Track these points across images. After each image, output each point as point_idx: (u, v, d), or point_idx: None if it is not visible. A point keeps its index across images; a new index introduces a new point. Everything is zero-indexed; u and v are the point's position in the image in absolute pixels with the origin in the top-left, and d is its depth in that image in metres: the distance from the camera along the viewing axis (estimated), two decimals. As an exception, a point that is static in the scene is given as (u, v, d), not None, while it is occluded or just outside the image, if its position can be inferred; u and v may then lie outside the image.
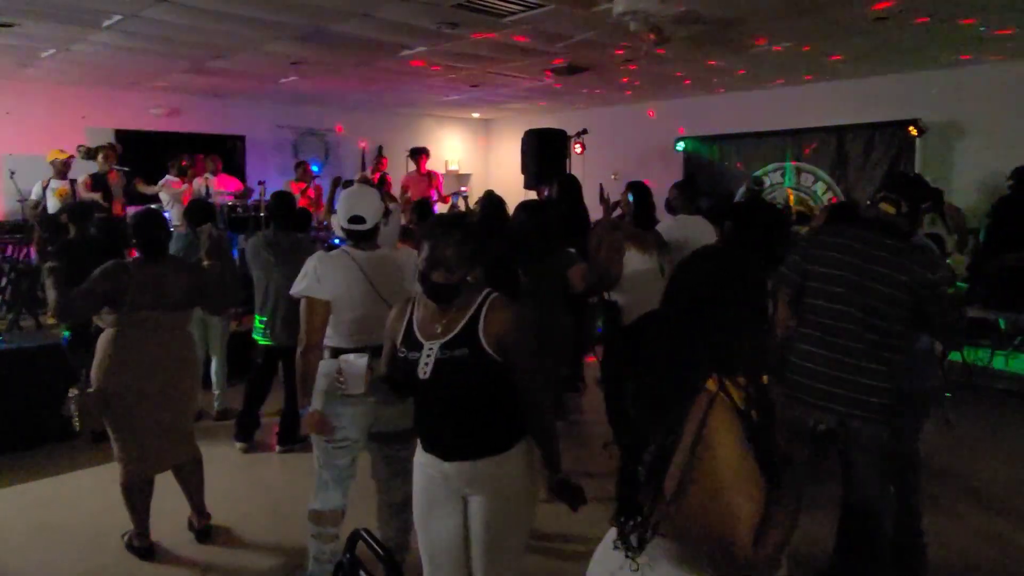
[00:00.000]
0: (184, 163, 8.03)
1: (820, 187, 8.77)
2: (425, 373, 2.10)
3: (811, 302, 2.83)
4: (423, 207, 5.69)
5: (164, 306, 3.32)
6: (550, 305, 3.97)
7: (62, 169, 7.20)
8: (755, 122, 9.25)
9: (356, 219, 2.88)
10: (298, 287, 2.83)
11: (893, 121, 8.05)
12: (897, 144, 8.10)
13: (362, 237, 2.91)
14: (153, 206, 7.10)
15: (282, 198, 4.99)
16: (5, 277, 6.24)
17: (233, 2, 5.20)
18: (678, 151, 10.02)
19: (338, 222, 2.93)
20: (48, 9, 5.34)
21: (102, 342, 3.32)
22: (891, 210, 2.78)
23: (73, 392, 3.22)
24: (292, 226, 4.81)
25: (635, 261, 4.28)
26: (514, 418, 2.17)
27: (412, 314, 2.22)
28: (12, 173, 6.61)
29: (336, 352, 2.80)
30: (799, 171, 8.95)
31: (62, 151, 7.28)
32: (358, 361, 2.19)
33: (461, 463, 2.14)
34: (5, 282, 6.22)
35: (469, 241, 2.12)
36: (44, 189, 7.17)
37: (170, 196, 7.85)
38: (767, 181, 9.09)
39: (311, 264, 2.83)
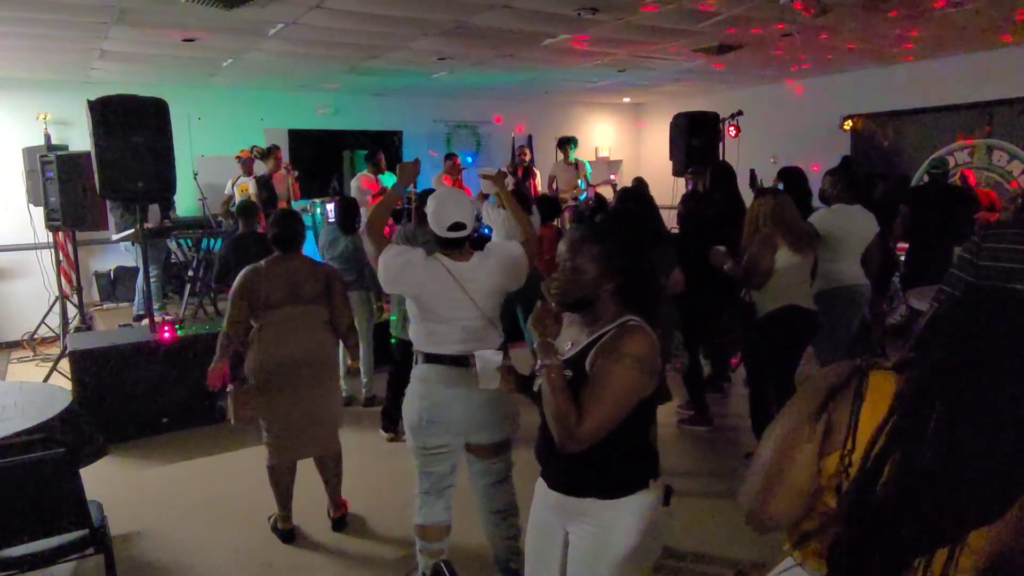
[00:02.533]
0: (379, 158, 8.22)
1: (1017, 166, 7.70)
2: (537, 386, 1.99)
3: None
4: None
5: (298, 300, 3.51)
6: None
7: (248, 165, 7.87)
8: (935, 95, 8.23)
9: (457, 226, 2.74)
10: (388, 253, 2.80)
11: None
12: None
13: (458, 245, 2.78)
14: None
15: (425, 195, 5.13)
16: (191, 269, 6.92)
17: (381, 4, 5.40)
18: (845, 131, 9.19)
19: (433, 229, 2.79)
20: (222, 24, 5.82)
21: (252, 339, 3.58)
22: None
23: (229, 388, 3.49)
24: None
25: (784, 258, 3.97)
26: (629, 465, 1.96)
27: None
28: (195, 174, 7.30)
29: (429, 358, 2.79)
30: (990, 149, 7.90)
31: (244, 150, 7.97)
32: (494, 357, 2.17)
33: (562, 496, 2.01)
34: (191, 274, 6.90)
35: (610, 255, 1.94)
36: (233, 185, 7.91)
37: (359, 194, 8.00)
38: (952, 162, 8.11)
39: (403, 259, 2.77)
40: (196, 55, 7.02)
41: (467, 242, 2.81)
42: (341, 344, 4.67)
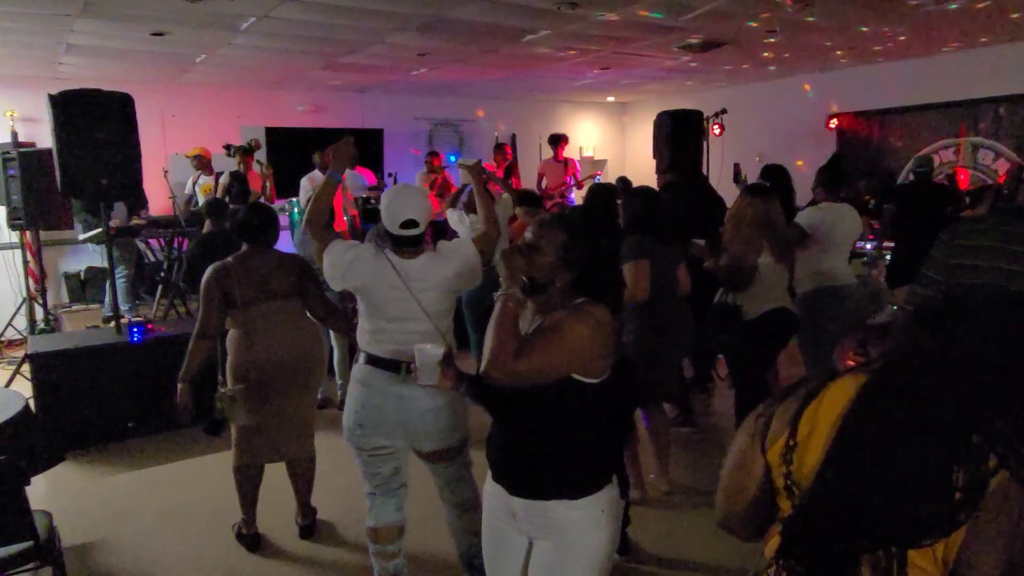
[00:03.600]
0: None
1: (1002, 165, 7.65)
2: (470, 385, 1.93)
3: None
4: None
5: (271, 296, 3.35)
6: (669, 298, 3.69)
7: (205, 163, 7.67)
8: (920, 94, 8.19)
9: (409, 224, 2.60)
10: (332, 249, 2.64)
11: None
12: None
13: (410, 243, 2.64)
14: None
15: None
16: (163, 270, 6.75)
17: (353, -4, 5.27)
18: (830, 130, 9.13)
19: (385, 225, 2.65)
20: (192, 18, 5.66)
21: (229, 344, 3.42)
22: None
23: (223, 390, 3.34)
24: None
25: (766, 261, 3.86)
26: (598, 458, 1.89)
27: None
28: (165, 172, 7.12)
29: (369, 359, 2.66)
30: (975, 147, 7.85)
31: (201, 148, 7.78)
32: (434, 351, 2.04)
33: (527, 501, 1.89)
34: (163, 274, 6.72)
35: (571, 246, 1.87)
36: (194, 184, 7.71)
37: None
38: (937, 160, 8.05)
39: (351, 254, 2.63)
40: (167, 50, 6.84)
41: (420, 241, 2.68)
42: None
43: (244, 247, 3.43)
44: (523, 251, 1.86)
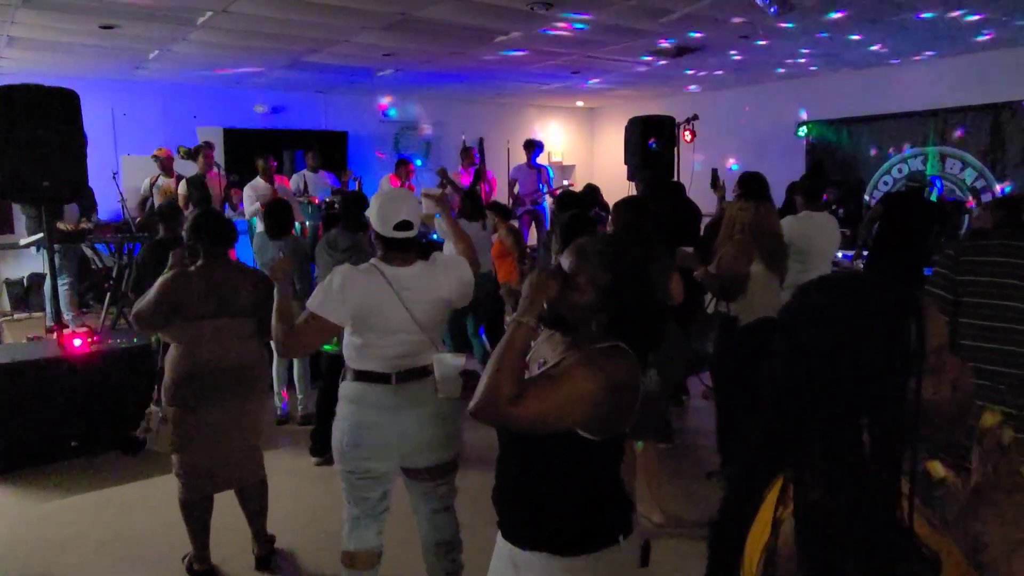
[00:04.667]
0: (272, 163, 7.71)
1: (970, 174, 7.69)
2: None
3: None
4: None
5: (230, 313, 3.11)
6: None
7: (166, 165, 7.32)
8: (890, 102, 8.22)
9: (404, 225, 2.46)
10: (314, 301, 2.41)
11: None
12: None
13: (402, 248, 2.50)
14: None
15: (350, 198, 4.83)
16: (111, 278, 6.40)
17: (316, -8, 5.03)
18: (800, 137, 9.12)
19: (376, 228, 2.50)
20: (143, 10, 5.35)
21: (169, 360, 3.15)
22: None
23: (153, 409, 3.11)
24: (358, 227, 4.57)
25: (758, 270, 3.71)
26: (593, 514, 1.64)
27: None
28: (114, 174, 6.75)
29: (359, 375, 2.50)
30: (943, 156, 7.88)
31: (161, 149, 7.42)
32: (453, 362, 1.91)
33: (513, 547, 1.69)
34: (112, 281, 6.37)
35: (613, 289, 1.60)
36: (151, 186, 7.34)
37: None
38: (905, 168, 8.08)
39: (334, 277, 2.42)
40: (117, 44, 6.50)
41: (414, 245, 2.53)
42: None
43: (203, 257, 3.16)
44: (557, 279, 1.60)
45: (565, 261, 1.65)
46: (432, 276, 2.54)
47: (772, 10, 4.51)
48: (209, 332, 3.10)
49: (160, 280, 3.10)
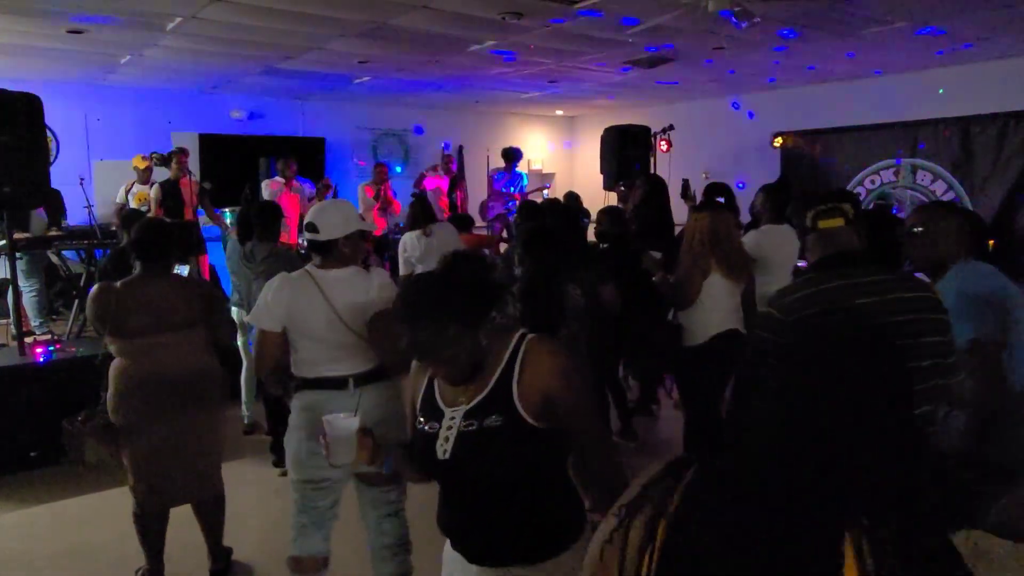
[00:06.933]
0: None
1: (940, 186, 7.77)
2: (445, 452, 1.59)
3: None
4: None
5: (170, 327, 3.04)
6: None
7: (145, 175, 7.25)
8: (862, 114, 8.30)
9: (309, 227, 2.59)
10: (253, 316, 2.61)
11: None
12: (1035, 136, 7.06)
13: (319, 250, 2.60)
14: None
15: (265, 208, 4.81)
16: (80, 284, 6.32)
17: (287, 0, 4.99)
18: (775, 148, 9.19)
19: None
20: (112, 14, 5.30)
21: (112, 372, 3.08)
22: None
23: (66, 424, 3.04)
24: (274, 237, 4.58)
25: (718, 283, 3.71)
26: (561, 517, 1.64)
27: None
28: (81, 180, 6.68)
29: (306, 383, 2.56)
30: (915, 168, 7.96)
31: (143, 158, 7.34)
32: (345, 423, 1.71)
33: (487, 569, 1.65)
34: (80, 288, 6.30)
35: (449, 321, 1.56)
36: (127, 193, 7.25)
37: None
38: (878, 180, 8.17)
39: (266, 290, 2.58)
40: (88, 49, 6.43)
41: (329, 250, 2.59)
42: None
43: (137, 270, 3.09)
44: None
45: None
46: (361, 280, 2.61)
47: (736, 23, 4.54)
48: (146, 347, 3.01)
49: (88, 299, 3.04)
